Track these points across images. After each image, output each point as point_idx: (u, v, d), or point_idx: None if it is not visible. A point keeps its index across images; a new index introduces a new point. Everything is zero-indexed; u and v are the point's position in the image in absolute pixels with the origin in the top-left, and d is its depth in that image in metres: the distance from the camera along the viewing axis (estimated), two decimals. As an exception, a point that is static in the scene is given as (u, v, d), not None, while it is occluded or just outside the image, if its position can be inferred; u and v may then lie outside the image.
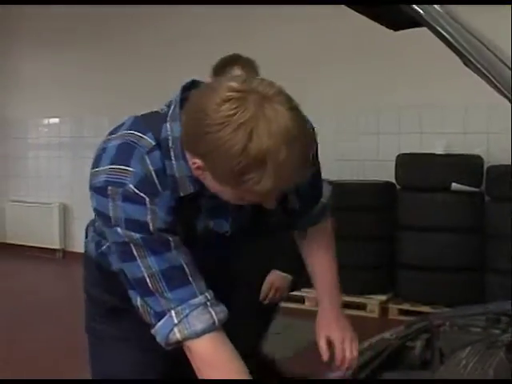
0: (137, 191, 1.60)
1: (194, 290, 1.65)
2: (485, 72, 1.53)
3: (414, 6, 1.55)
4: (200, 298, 1.65)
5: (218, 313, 1.66)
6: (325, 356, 1.99)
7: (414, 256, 5.80)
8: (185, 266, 1.64)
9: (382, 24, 1.95)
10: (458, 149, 5.99)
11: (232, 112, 1.42)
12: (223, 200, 1.63)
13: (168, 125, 1.63)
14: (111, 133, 1.71)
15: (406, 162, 5.98)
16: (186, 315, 1.63)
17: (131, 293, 1.70)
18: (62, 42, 8.69)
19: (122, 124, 1.72)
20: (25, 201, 9.13)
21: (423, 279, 5.59)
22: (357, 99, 6.68)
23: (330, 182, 5.69)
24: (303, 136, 1.47)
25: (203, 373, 1.64)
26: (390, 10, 1.68)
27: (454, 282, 5.57)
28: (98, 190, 1.63)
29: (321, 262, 2.14)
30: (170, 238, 1.63)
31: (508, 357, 1.90)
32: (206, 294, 1.67)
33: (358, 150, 6.74)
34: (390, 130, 6.61)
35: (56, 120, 9.10)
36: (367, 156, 6.71)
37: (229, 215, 1.77)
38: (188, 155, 1.59)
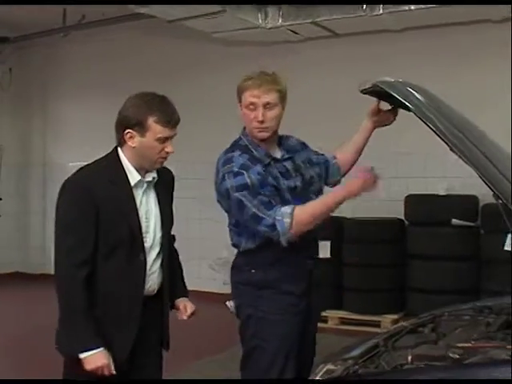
0: (239, 170, 3.06)
1: (278, 206, 3.03)
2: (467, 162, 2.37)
3: (409, 106, 2.57)
4: (281, 206, 3.04)
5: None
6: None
7: (420, 280, 6.74)
8: (272, 201, 3.05)
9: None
10: (457, 190, 6.91)
11: None
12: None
13: (243, 137, 3.25)
14: (224, 163, 3.17)
15: (414, 202, 6.97)
16: (279, 211, 3.00)
17: (255, 230, 3.09)
18: (102, 88, 9.51)
19: (221, 158, 3.22)
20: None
21: (429, 300, 6.32)
22: (368, 146, 7.59)
23: (349, 219, 6.89)
24: None
25: (308, 218, 3.02)
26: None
27: (454, 303, 6.45)
28: (222, 178, 3.10)
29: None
30: (262, 192, 3.04)
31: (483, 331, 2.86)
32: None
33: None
34: (400, 174, 7.46)
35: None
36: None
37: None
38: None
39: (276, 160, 3.26)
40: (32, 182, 10.69)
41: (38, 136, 10.66)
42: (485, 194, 6.71)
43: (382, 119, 3.37)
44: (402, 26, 7.18)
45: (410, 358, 2.49)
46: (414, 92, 2.71)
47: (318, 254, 3.55)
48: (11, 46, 10.06)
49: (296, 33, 7.54)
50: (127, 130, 2.86)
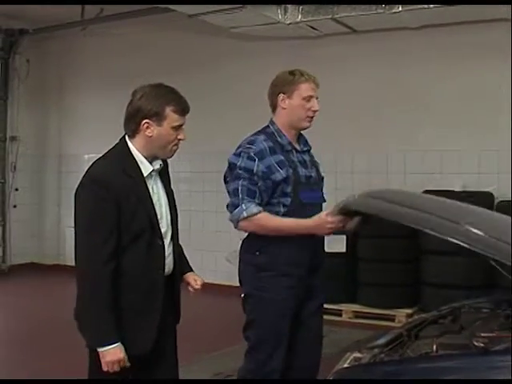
0: (253, 156, 3.38)
1: (257, 202, 3.35)
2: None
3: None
4: (257, 203, 3.35)
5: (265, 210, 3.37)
6: None
7: (435, 275, 6.79)
8: (258, 194, 3.36)
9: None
10: (473, 187, 6.99)
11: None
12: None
13: (271, 126, 3.57)
14: (246, 142, 3.50)
15: (429, 197, 6.99)
16: (249, 206, 3.33)
17: (229, 204, 3.43)
18: (118, 81, 9.36)
19: (247, 138, 3.54)
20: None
21: (443, 294, 6.36)
22: (386, 144, 7.72)
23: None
24: None
25: (261, 226, 3.35)
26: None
27: (468, 298, 6.52)
28: (237, 154, 3.43)
29: None
30: (258, 184, 3.36)
31: (503, 322, 2.93)
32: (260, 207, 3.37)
33: (387, 186, 7.54)
34: (416, 170, 7.55)
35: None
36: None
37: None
38: (278, 103, 3.53)
39: (296, 150, 3.60)
40: (48, 173, 10.80)
41: (54, 128, 10.76)
42: (501, 191, 6.95)
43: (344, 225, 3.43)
44: (419, 24, 7.24)
45: (434, 346, 2.56)
46: (376, 201, 2.97)
47: (323, 245, 3.72)
48: (30, 38, 10.15)
49: (315, 29, 7.61)
50: (145, 120, 2.97)
